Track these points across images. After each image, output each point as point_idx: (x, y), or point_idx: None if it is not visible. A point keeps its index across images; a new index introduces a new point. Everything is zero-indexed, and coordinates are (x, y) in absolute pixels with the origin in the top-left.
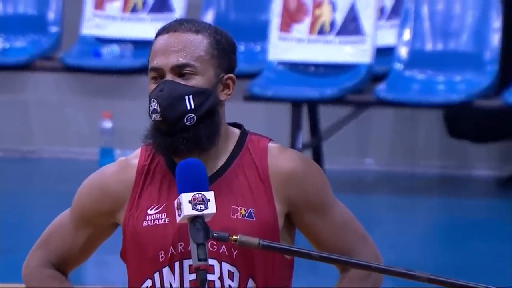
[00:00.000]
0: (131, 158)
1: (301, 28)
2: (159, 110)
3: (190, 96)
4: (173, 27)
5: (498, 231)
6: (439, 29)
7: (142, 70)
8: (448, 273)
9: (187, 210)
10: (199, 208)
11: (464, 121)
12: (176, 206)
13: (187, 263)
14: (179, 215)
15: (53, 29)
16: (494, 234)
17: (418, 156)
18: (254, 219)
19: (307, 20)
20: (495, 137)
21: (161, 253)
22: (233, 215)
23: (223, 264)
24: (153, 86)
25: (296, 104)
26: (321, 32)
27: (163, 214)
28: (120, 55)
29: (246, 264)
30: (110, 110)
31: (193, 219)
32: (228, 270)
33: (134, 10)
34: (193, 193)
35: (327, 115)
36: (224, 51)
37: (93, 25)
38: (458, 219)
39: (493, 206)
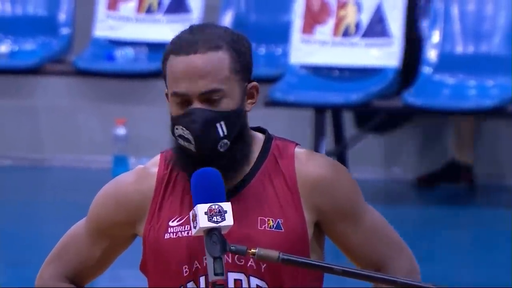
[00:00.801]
0: (150, 167)
1: (325, 30)
2: (192, 142)
3: (222, 123)
4: (191, 47)
5: None
6: (470, 30)
7: (158, 74)
8: None
9: (203, 222)
10: (215, 220)
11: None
12: (191, 217)
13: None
14: (195, 227)
15: (64, 30)
16: None
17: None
18: (283, 230)
19: (331, 22)
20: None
21: (185, 267)
22: (260, 227)
23: (251, 278)
24: (178, 111)
25: (319, 110)
26: (345, 34)
27: (186, 226)
28: (135, 58)
29: (275, 277)
30: (124, 116)
31: (209, 231)
32: (257, 285)
33: (149, 10)
34: (209, 204)
35: (353, 122)
36: (245, 59)
37: (106, 26)
38: (492, 231)
39: None
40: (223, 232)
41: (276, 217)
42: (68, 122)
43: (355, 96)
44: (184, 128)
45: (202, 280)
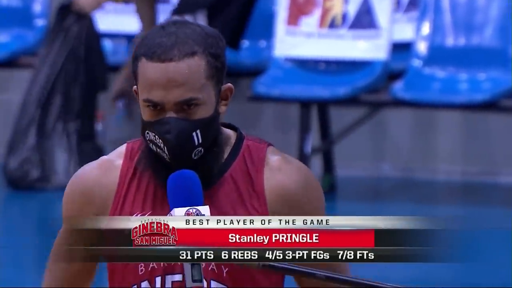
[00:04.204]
0: (115, 159)
1: (311, 21)
2: (166, 151)
3: (198, 131)
4: (167, 53)
5: None
6: (461, 22)
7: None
8: None
9: None
10: None
11: None
12: None
13: (170, 279)
14: None
15: (40, 22)
16: None
17: (439, 161)
18: None
19: (317, 13)
20: None
21: (141, 266)
22: None
23: (212, 282)
24: (151, 116)
25: (305, 104)
26: (332, 25)
27: None
28: (113, 50)
29: (236, 281)
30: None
31: None
32: None
33: (126, 1)
34: (187, 208)
35: (339, 116)
36: (219, 61)
37: None
38: (483, 230)
39: None
40: None
41: None
42: None
43: (341, 90)
44: (157, 136)
45: (158, 280)
